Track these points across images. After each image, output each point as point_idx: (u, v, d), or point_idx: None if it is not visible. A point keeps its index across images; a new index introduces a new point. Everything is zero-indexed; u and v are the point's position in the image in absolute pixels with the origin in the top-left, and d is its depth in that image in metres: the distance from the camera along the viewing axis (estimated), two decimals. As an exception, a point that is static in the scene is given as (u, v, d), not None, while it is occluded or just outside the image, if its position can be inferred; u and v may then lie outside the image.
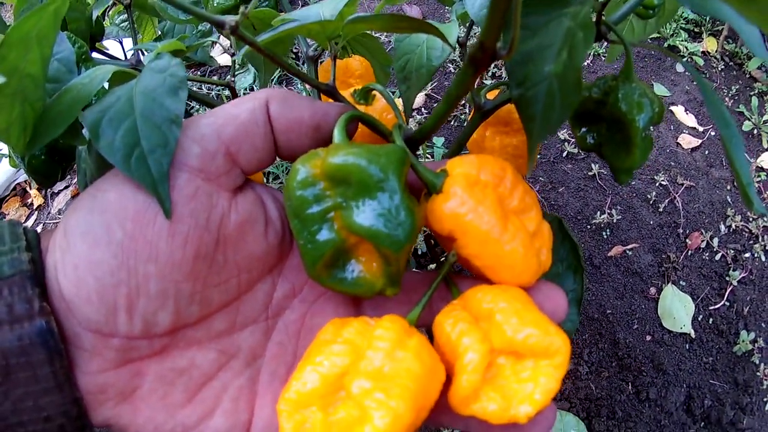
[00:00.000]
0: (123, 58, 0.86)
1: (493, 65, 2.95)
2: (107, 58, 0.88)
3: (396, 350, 0.46)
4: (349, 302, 0.60)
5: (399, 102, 0.80)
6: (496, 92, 0.82)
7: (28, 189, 2.93)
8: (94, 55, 0.85)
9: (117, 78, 0.62)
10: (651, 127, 0.63)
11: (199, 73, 3.05)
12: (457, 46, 0.74)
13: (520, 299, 0.51)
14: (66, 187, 2.87)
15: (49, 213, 2.80)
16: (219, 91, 2.94)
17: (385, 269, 0.51)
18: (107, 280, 0.45)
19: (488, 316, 0.51)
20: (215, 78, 3.04)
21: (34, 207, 2.86)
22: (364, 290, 0.51)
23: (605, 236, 2.45)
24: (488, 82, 2.79)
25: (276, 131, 0.53)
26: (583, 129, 0.69)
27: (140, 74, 0.53)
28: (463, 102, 2.82)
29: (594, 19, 0.58)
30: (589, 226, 2.48)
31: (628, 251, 2.42)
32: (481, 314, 0.51)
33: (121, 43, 0.97)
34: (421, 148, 0.54)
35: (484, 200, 0.51)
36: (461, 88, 0.51)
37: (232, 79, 0.85)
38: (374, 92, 0.77)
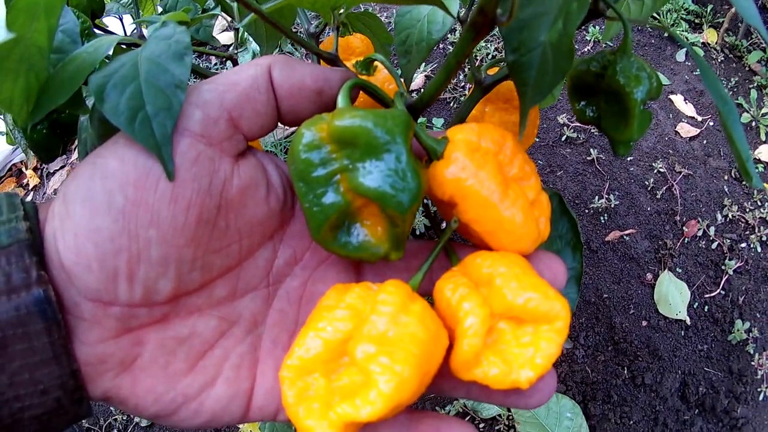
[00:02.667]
0: (123, 35, 0.86)
1: (493, 48, 2.95)
2: (108, 35, 0.88)
3: (400, 315, 0.46)
4: (351, 269, 0.60)
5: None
6: (496, 69, 0.83)
7: (23, 170, 2.93)
8: (95, 31, 0.85)
9: (120, 50, 0.62)
10: (648, 102, 0.63)
11: (195, 54, 3.05)
12: (457, 23, 0.75)
13: (519, 264, 0.52)
14: (62, 167, 2.87)
15: (44, 193, 2.80)
16: (219, 68, 2.94)
17: (391, 233, 0.51)
18: (108, 247, 0.45)
19: (488, 281, 0.51)
20: (213, 58, 3.05)
21: (30, 187, 2.86)
22: (368, 254, 0.52)
23: (603, 221, 2.45)
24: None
25: (278, 96, 0.53)
26: (582, 102, 0.69)
27: (145, 42, 0.53)
28: (463, 83, 2.82)
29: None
30: (587, 211, 2.48)
31: (625, 236, 2.42)
32: (480, 279, 0.52)
33: (121, 19, 0.97)
34: (420, 125, 0.55)
35: (484, 166, 0.51)
36: (461, 54, 0.51)
37: (236, 51, 0.85)
38: (376, 63, 0.77)
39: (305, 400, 0.46)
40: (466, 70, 0.64)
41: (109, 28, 0.92)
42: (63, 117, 0.73)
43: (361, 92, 0.60)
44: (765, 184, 2.66)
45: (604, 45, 2.97)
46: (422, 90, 2.71)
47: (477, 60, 2.91)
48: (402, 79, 0.76)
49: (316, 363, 0.47)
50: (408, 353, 0.44)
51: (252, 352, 0.55)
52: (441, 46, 3.02)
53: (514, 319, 0.50)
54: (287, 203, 0.57)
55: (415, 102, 0.61)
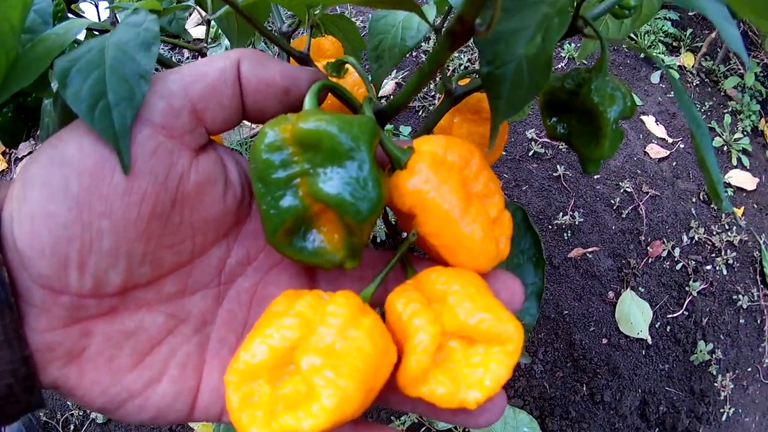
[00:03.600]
0: (98, 21, 0.85)
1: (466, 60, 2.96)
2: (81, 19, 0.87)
3: (348, 328, 0.46)
4: (304, 274, 0.59)
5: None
6: (467, 80, 0.82)
7: (-8, 153, 2.90)
8: (69, 15, 0.83)
9: (91, 36, 0.61)
10: (620, 121, 0.63)
11: (168, 46, 3.04)
12: (432, 31, 0.74)
13: (474, 283, 0.51)
14: (30, 153, 2.85)
15: (11, 178, 2.77)
16: (188, 60, 2.92)
17: (347, 241, 0.50)
18: (61, 234, 0.44)
19: (441, 298, 0.51)
20: (186, 51, 3.03)
21: (-3, 172, 2.84)
22: (323, 261, 0.51)
23: (566, 237, 2.47)
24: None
25: (245, 92, 0.52)
26: (554, 118, 0.69)
27: (115, 28, 0.52)
28: (432, 92, 2.83)
29: (573, 12, 0.58)
30: (550, 227, 2.50)
31: (588, 254, 2.44)
32: (434, 296, 0.51)
33: (96, 6, 0.96)
34: (387, 132, 0.55)
35: (448, 180, 0.51)
36: (435, 62, 0.50)
37: (206, 46, 0.84)
38: (347, 66, 0.77)
39: (249, 406, 0.46)
40: (437, 79, 0.64)
41: (84, 15, 0.90)
42: (29, 101, 0.73)
43: (329, 94, 0.60)
44: (735, 209, 2.70)
45: (578, 63, 2.99)
46: (391, 96, 2.71)
47: (449, 70, 2.92)
48: (372, 85, 0.75)
49: (262, 369, 0.46)
50: (353, 368, 0.44)
51: (199, 352, 0.54)
52: (413, 54, 3.04)
53: (465, 339, 0.50)
54: (244, 201, 0.56)
55: (385, 108, 0.61)
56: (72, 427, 2.11)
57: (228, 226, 0.55)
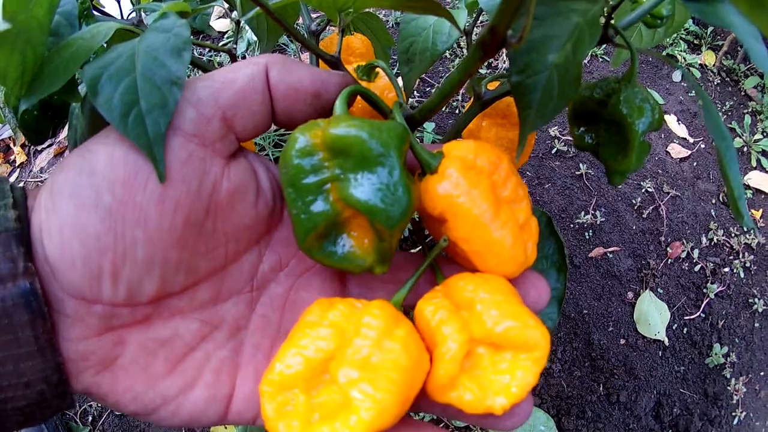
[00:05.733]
0: (120, 18, 0.85)
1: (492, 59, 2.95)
2: (106, 17, 0.87)
3: (384, 340, 0.46)
4: (335, 278, 0.59)
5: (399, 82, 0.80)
6: (496, 84, 0.82)
7: (11, 146, 2.91)
8: (94, 13, 0.84)
9: (118, 37, 0.61)
10: (648, 133, 0.63)
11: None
12: (462, 35, 0.74)
13: (502, 290, 0.51)
14: (49, 146, 2.85)
15: (31, 171, 2.78)
16: (211, 57, 2.92)
17: (377, 246, 0.51)
18: (93, 245, 0.44)
19: (469, 305, 0.51)
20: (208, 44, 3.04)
21: (17, 164, 2.84)
22: (353, 266, 0.51)
23: (587, 237, 2.46)
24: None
25: (274, 97, 0.52)
26: (582, 128, 0.69)
27: (144, 32, 0.52)
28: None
29: (604, 22, 0.58)
30: (572, 225, 2.48)
31: (608, 254, 2.43)
32: (462, 302, 0.51)
33: (118, 2, 0.96)
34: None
35: (478, 185, 0.51)
36: (465, 72, 0.50)
37: (234, 45, 0.84)
38: (377, 69, 0.77)
39: (285, 415, 0.46)
40: (466, 82, 0.64)
41: (105, 9, 0.90)
42: (55, 100, 0.73)
43: (359, 98, 0.59)
44: (753, 211, 2.68)
45: (601, 59, 2.97)
46: (414, 92, 2.71)
47: (478, 73, 2.91)
48: (401, 88, 0.75)
49: (297, 380, 0.46)
50: (390, 381, 0.44)
51: (233, 357, 0.54)
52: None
53: (493, 345, 0.50)
54: (276, 208, 0.56)
55: (414, 114, 0.61)
56: (90, 418, 2.12)
57: (260, 232, 0.55)
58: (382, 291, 0.59)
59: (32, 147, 2.90)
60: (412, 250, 1.98)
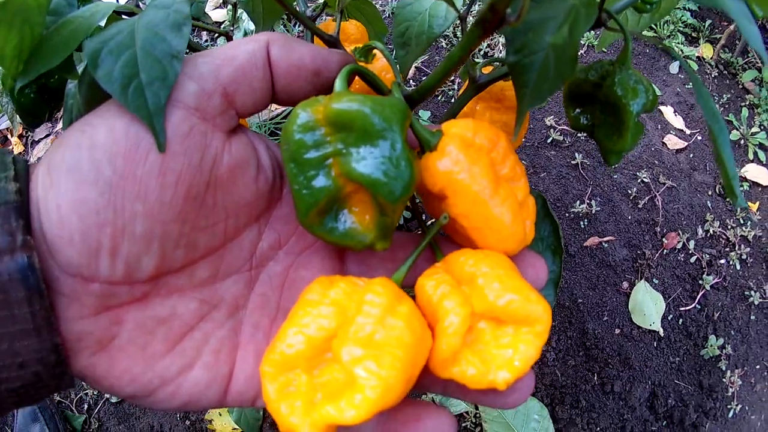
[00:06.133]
0: (117, 2, 0.86)
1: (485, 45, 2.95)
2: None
3: (387, 317, 0.46)
4: (334, 256, 0.59)
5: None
6: (491, 68, 0.83)
7: (9, 136, 2.90)
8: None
9: (115, 19, 0.61)
10: (642, 114, 0.63)
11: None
12: (458, 19, 0.75)
13: (503, 265, 0.52)
14: (47, 135, 2.85)
15: (28, 161, 2.79)
16: (209, 44, 2.92)
17: (378, 221, 0.51)
18: (92, 220, 0.43)
19: (470, 279, 0.51)
20: (204, 33, 3.03)
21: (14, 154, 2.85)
22: (354, 242, 0.51)
23: (582, 226, 2.46)
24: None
25: (275, 74, 0.52)
26: (578, 110, 0.70)
27: (144, 9, 0.52)
28: (452, 78, 2.82)
29: (598, 5, 0.58)
30: (567, 214, 2.49)
31: (604, 243, 2.43)
32: (463, 278, 0.52)
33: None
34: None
35: (477, 162, 0.51)
36: (466, 49, 0.51)
37: (231, 28, 0.85)
38: (375, 51, 0.77)
39: (287, 396, 0.45)
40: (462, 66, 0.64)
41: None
42: (52, 82, 0.72)
43: (357, 79, 0.60)
44: (749, 203, 2.68)
45: (598, 52, 2.98)
46: (410, 80, 2.70)
47: (472, 57, 2.91)
48: (399, 71, 0.76)
49: (299, 359, 0.46)
50: (395, 358, 0.44)
51: (232, 337, 0.54)
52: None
53: (494, 320, 0.50)
54: (275, 186, 0.56)
55: (412, 92, 0.61)
56: (86, 406, 2.12)
57: (260, 209, 0.55)
58: (382, 269, 0.59)
59: (30, 137, 2.90)
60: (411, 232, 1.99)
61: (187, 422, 2.08)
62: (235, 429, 2.00)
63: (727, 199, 2.63)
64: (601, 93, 0.65)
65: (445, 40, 2.99)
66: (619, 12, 0.64)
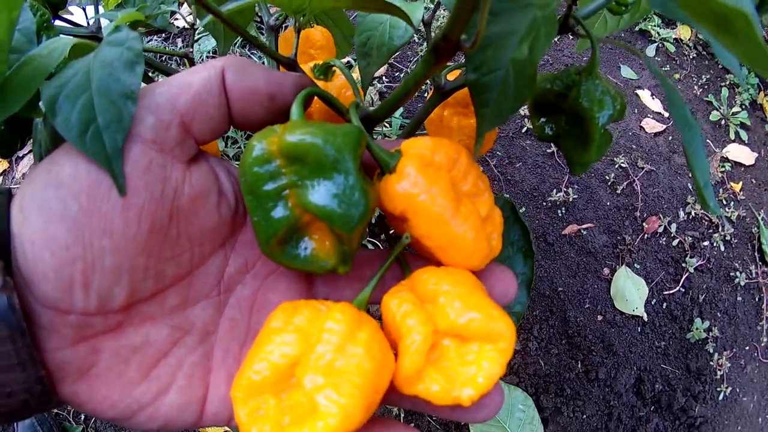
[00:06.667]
0: (86, 25, 0.85)
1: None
2: (70, 26, 0.87)
3: (347, 344, 0.47)
4: (302, 278, 0.60)
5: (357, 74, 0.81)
6: (457, 73, 0.82)
7: (-8, 153, 2.88)
8: (57, 22, 0.83)
9: (77, 50, 0.61)
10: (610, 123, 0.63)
11: (161, 37, 3.00)
12: (421, 25, 0.74)
13: (465, 282, 0.52)
14: (30, 151, 2.83)
15: (13, 178, 2.76)
16: (179, 60, 2.90)
17: (338, 248, 0.51)
18: (63, 256, 0.44)
19: (433, 297, 0.51)
20: (179, 40, 3.00)
21: (-1, 172, 2.83)
22: (316, 267, 0.52)
23: (560, 214, 2.47)
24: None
25: (231, 100, 0.52)
26: (542, 119, 0.69)
27: (98, 47, 0.52)
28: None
29: (565, 12, 0.58)
30: (544, 203, 2.50)
31: (582, 230, 2.44)
32: (426, 296, 0.52)
33: (84, 10, 0.96)
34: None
35: (437, 182, 0.52)
36: (421, 77, 0.51)
37: (190, 50, 0.84)
38: (334, 68, 0.77)
39: (257, 420, 0.47)
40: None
41: (73, 18, 0.90)
42: (20, 113, 0.72)
43: (316, 98, 0.59)
44: (732, 183, 2.69)
45: (579, 52, 2.97)
46: (383, 77, 2.69)
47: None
48: (359, 84, 0.75)
49: (265, 385, 0.47)
50: (354, 386, 0.45)
51: (204, 362, 0.55)
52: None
53: (458, 337, 0.51)
54: (239, 211, 0.57)
55: (371, 113, 0.61)
56: (83, 417, 2.12)
57: (224, 235, 0.56)
58: (349, 289, 0.60)
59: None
60: (380, 247, 1.98)
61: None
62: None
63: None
64: (567, 104, 0.65)
65: (417, 36, 2.99)
66: (592, 14, 0.64)
